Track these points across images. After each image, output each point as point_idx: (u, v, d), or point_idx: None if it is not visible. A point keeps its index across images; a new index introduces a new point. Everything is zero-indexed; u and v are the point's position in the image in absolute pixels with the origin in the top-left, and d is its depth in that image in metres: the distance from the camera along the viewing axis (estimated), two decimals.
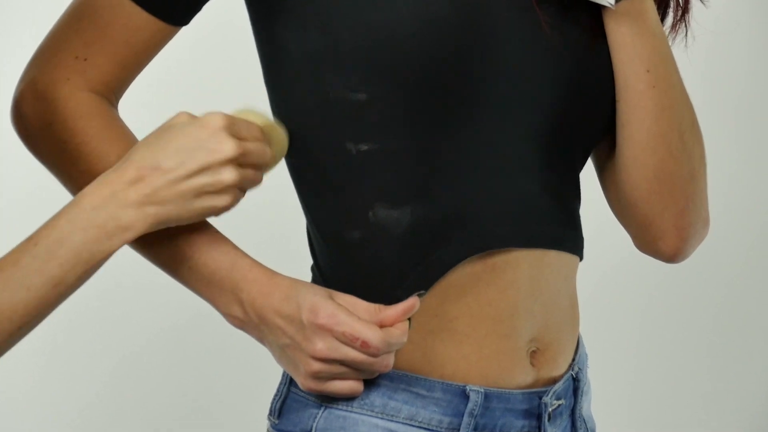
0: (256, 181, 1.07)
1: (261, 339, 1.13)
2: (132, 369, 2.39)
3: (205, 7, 1.17)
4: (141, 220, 1.02)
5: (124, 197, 1.02)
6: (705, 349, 2.70)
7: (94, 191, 1.02)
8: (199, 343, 2.40)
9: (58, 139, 1.14)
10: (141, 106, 1.65)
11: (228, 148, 1.03)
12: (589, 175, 1.28)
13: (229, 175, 1.03)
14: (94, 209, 1.01)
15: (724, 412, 2.69)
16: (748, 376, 2.71)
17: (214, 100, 2.30)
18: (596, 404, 1.34)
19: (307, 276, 1.20)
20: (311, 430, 1.14)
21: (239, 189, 1.06)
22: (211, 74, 2.30)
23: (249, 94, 1.64)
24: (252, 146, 1.05)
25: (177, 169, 1.02)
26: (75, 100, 1.14)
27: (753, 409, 2.70)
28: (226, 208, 1.05)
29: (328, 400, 1.14)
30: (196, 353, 2.42)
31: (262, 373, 1.59)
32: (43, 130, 1.14)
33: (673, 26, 1.22)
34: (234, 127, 1.04)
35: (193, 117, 1.05)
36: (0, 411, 2.29)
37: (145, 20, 1.14)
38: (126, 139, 1.15)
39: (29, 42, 1.29)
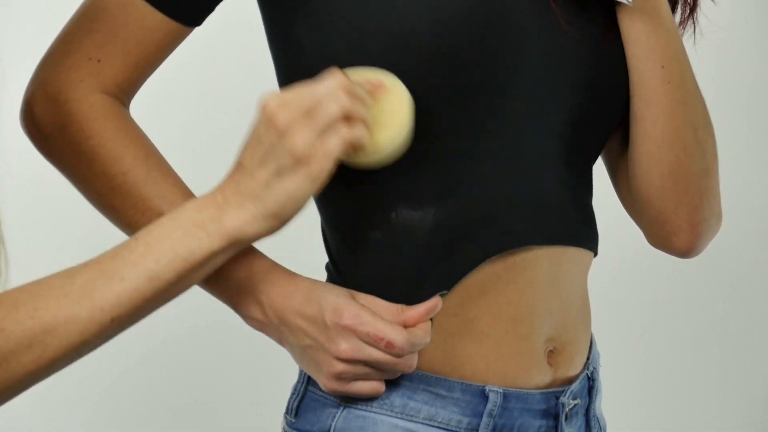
0: (343, 143, 1.00)
1: (281, 341, 1.13)
2: (140, 370, 2.39)
3: (217, 7, 1.17)
4: (241, 217, 1.01)
5: (222, 198, 1.01)
6: (715, 346, 2.70)
7: (199, 197, 1.03)
8: (208, 343, 2.40)
9: (72, 141, 1.13)
10: (152, 106, 1.64)
11: (280, 121, 0.99)
12: (599, 171, 1.28)
13: (291, 142, 0.99)
14: (196, 210, 1.01)
15: (734, 411, 2.69)
16: (760, 375, 2.71)
17: (226, 99, 2.30)
18: (605, 402, 1.34)
19: (322, 275, 1.19)
20: (330, 429, 1.14)
21: (326, 156, 1.00)
22: (222, 74, 2.29)
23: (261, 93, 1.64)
24: (307, 99, 1.00)
25: (251, 160, 1.01)
26: (89, 102, 1.13)
27: (764, 409, 2.70)
28: (317, 178, 1.00)
29: (347, 399, 1.14)
30: (204, 354, 2.41)
31: (275, 371, 1.59)
32: (57, 132, 1.13)
33: (681, 23, 1.23)
34: (287, 99, 1.00)
35: (275, 97, 1.01)
36: (6, 414, 2.28)
37: (158, 21, 1.13)
38: (141, 141, 1.14)
39: (37, 44, 1.28)
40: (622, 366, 2.59)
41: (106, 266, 0.98)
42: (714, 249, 1.53)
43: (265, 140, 1.00)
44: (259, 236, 1.02)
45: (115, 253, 1.00)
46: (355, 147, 1.02)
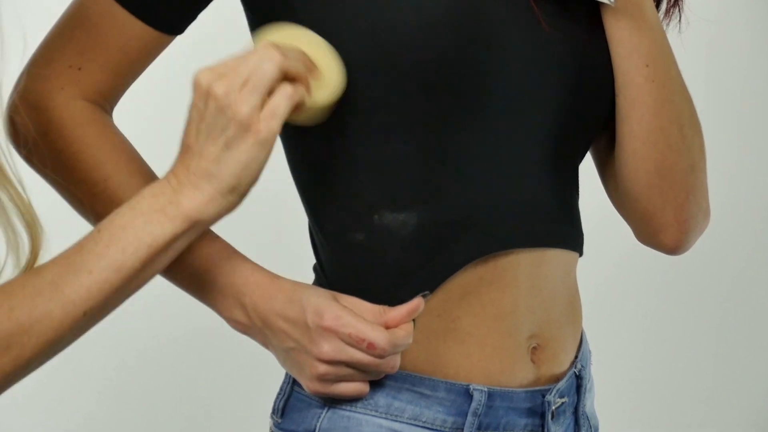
0: (287, 99, 1.00)
1: (265, 343, 1.13)
2: (135, 372, 2.39)
3: (203, 14, 1.17)
4: (198, 198, 1.01)
5: (176, 181, 1.02)
6: (709, 346, 2.69)
7: (155, 182, 1.03)
8: (200, 346, 2.40)
9: (53, 149, 1.14)
10: (137, 114, 1.64)
11: (219, 93, 1.00)
12: (592, 171, 1.28)
13: (234, 110, 0.99)
14: (153, 195, 1.02)
15: (730, 411, 2.68)
16: (755, 374, 2.70)
17: None
18: (600, 401, 1.34)
19: (310, 277, 1.20)
20: (315, 429, 1.14)
21: (273, 117, 1.00)
22: None
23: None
24: (247, 65, 1.00)
25: (196, 139, 1.02)
26: (70, 110, 1.14)
27: (759, 407, 2.69)
28: (266, 141, 1.00)
29: (332, 400, 1.14)
30: (197, 356, 2.42)
31: (264, 373, 1.59)
32: (38, 140, 1.14)
33: (667, 12, 1.23)
34: (221, 71, 1.01)
35: (208, 71, 1.02)
36: (1, 414, 2.29)
37: (138, 29, 1.14)
38: (122, 147, 1.15)
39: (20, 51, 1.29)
40: (617, 366, 2.59)
41: (73, 260, 1.00)
42: (707, 247, 1.52)
43: (207, 116, 1.01)
44: (220, 215, 1.03)
45: (81, 246, 1.01)
46: (297, 105, 1.02)
